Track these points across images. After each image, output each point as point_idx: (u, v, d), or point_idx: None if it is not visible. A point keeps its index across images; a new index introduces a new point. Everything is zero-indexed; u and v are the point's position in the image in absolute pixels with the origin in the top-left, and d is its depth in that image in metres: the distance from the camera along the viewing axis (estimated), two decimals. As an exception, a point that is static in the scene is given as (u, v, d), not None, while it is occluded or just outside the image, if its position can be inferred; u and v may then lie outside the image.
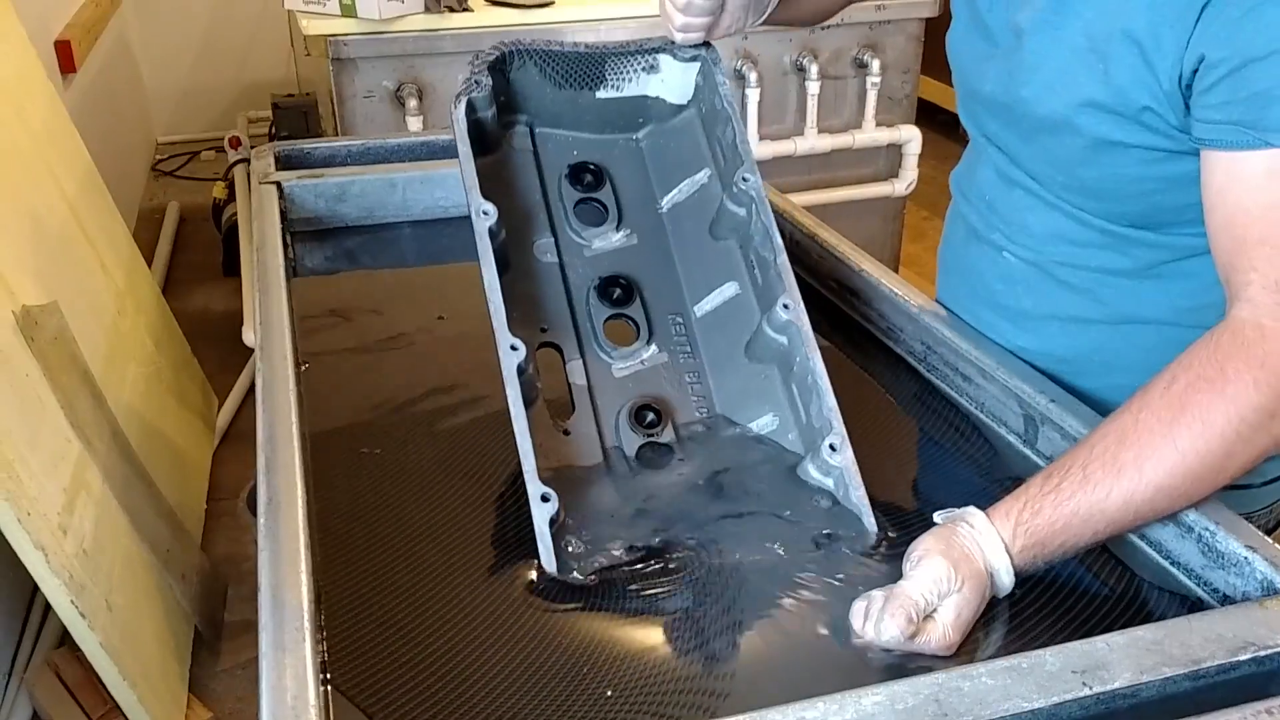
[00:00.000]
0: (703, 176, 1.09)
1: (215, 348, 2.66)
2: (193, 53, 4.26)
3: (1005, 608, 0.80)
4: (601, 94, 1.10)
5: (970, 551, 0.76)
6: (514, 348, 0.88)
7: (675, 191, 1.10)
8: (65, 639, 1.68)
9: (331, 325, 1.23)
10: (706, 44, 1.06)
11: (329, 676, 0.72)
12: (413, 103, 2.30)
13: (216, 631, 1.86)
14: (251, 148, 1.92)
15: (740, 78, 2.54)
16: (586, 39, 2.39)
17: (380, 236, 1.46)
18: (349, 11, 2.25)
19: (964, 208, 1.08)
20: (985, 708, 0.63)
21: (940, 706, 0.63)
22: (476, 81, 1.02)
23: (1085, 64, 0.84)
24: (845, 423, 0.90)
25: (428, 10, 2.31)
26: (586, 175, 1.08)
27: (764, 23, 1.08)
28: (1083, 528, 0.77)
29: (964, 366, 1.05)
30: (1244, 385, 0.74)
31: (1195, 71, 0.78)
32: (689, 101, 1.11)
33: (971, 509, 0.79)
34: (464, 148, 0.98)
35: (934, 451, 1.04)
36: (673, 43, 1.05)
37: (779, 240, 0.98)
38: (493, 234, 0.93)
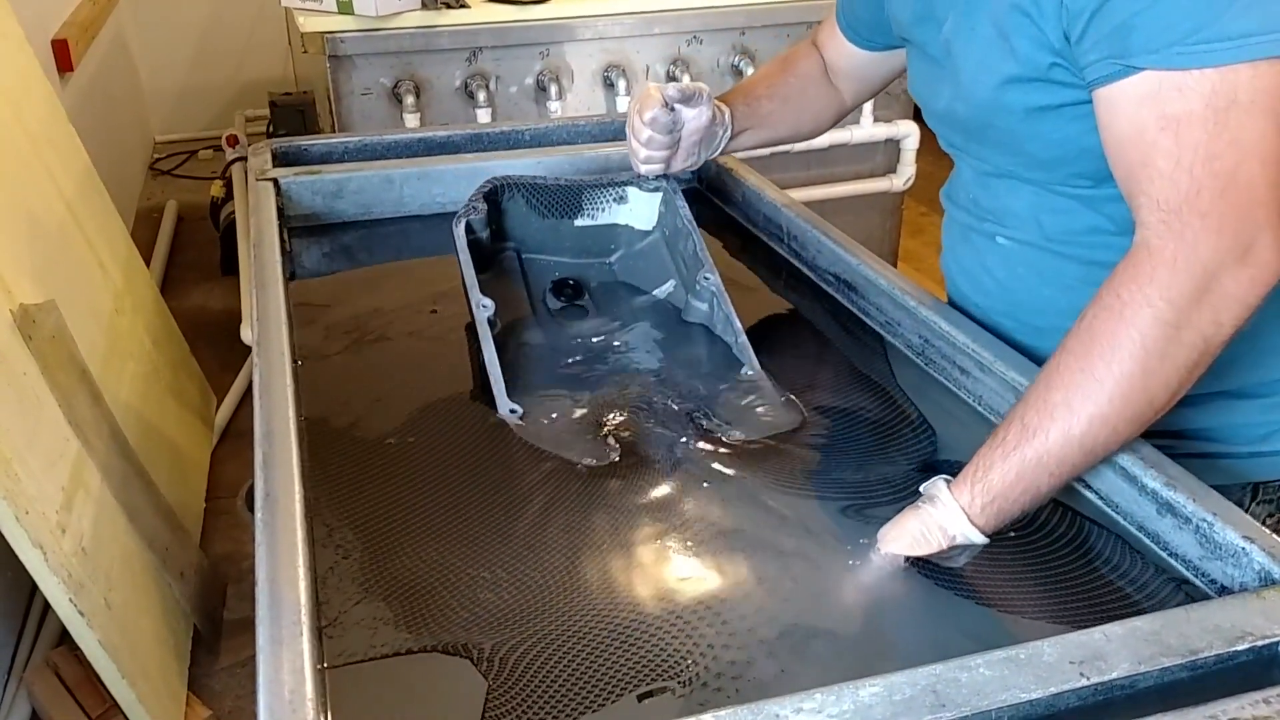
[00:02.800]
0: (669, 286, 1.26)
1: (213, 346, 2.67)
2: (190, 51, 4.26)
3: (1003, 600, 0.81)
4: (579, 222, 1.30)
5: (924, 536, 0.83)
6: (513, 410, 1.02)
7: (644, 298, 1.27)
8: (64, 638, 1.68)
9: (328, 320, 1.23)
10: (666, 177, 1.25)
11: (326, 665, 0.73)
12: (410, 99, 2.29)
13: (215, 630, 1.86)
14: (249, 146, 1.92)
15: (738, 73, 2.54)
16: (583, 35, 2.40)
17: (377, 232, 1.46)
18: (346, 9, 2.25)
19: (954, 212, 1.13)
20: (983, 698, 0.63)
21: (938, 697, 0.63)
22: (474, 206, 1.20)
23: (996, 48, 0.90)
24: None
25: (424, 7, 2.31)
26: (567, 289, 1.25)
27: (724, 154, 1.28)
28: (1036, 473, 0.81)
29: (961, 360, 1.05)
30: (1138, 304, 0.78)
31: (1070, 25, 0.83)
32: (654, 227, 1.29)
33: (939, 483, 0.85)
34: (464, 255, 1.15)
35: (931, 444, 1.04)
36: (639, 176, 1.25)
37: (739, 323, 1.13)
38: (492, 323, 1.09)
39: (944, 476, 0.85)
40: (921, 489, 0.87)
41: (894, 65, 1.23)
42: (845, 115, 1.33)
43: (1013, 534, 0.87)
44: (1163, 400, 0.80)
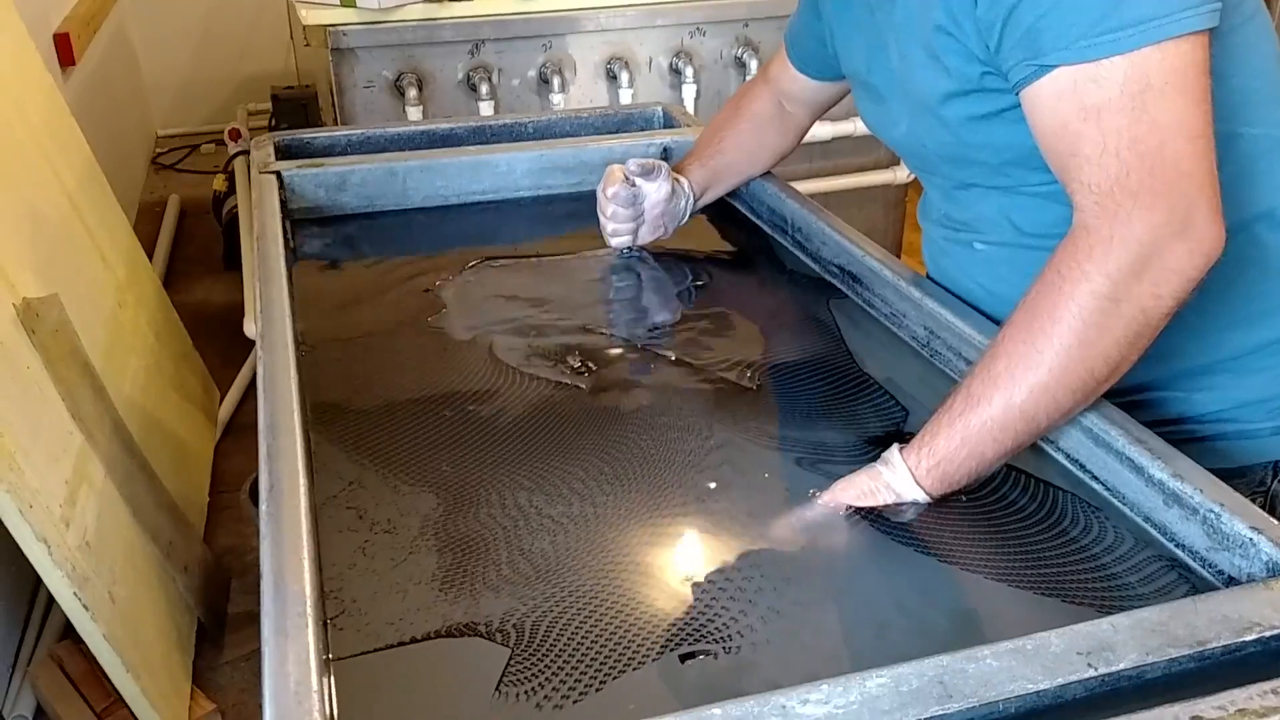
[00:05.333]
0: None
1: (216, 341, 2.66)
2: (192, 45, 4.25)
3: (1010, 591, 0.80)
4: None
5: (868, 489, 0.88)
6: None
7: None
8: (68, 631, 1.68)
9: (333, 312, 1.23)
10: (637, 250, 1.37)
11: (332, 656, 0.72)
12: (412, 92, 2.29)
13: (219, 623, 1.86)
14: (251, 139, 1.92)
15: (741, 65, 2.53)
16: (585, 27, 2.39)
17: (381, 225, 1.46)
18: (348, 1, 2.24)
19: (930, 229, 1.15)
20: (990, 689, 0.63)
21: (945, 688, 0.63)
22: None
23: (930, 68, 0.94)
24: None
25: (426, 0, 2.30)
26: None
27: (692, 216, 1.39)
28: (980, 439, 0.85)
29: (967, 350, 1.05)
30: (1077, 279, 0.81)
31: (987, 37, 0.87)
32: None
33: (893, 447, 0.90)
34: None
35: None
36: (610, 250, 1.37)
37: None
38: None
39: (899, 444, 0.90)
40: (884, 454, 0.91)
41: (846, 87, 1.27)
42: (805, 135, 1.41)
43: (1020, 524, 0.87)
44: (1103, 372, 0.83)
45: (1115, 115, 0.79)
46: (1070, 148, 0.82)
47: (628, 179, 1.29)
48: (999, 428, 0.84)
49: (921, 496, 0.87)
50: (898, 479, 0.87)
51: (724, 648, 0.75)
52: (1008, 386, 0.83)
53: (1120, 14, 0.78)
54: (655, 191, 1.31)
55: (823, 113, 1.36)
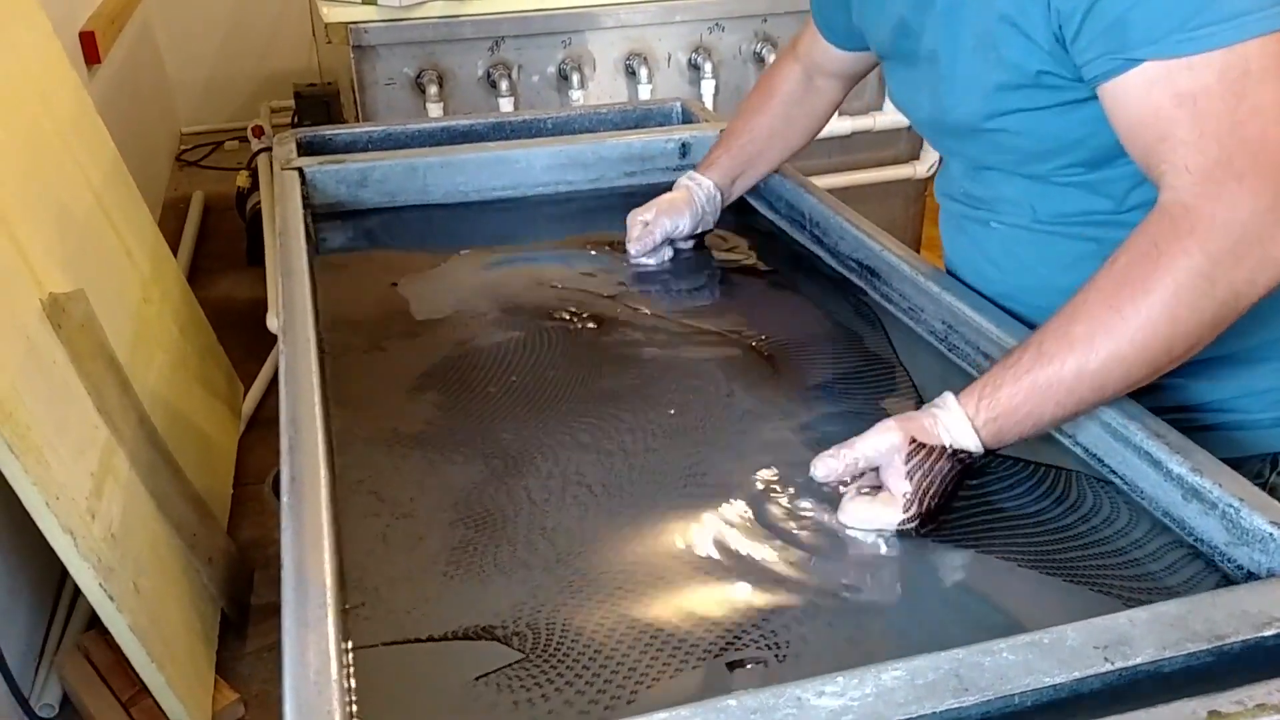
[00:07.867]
0: None
1: (240, 335, 2.68)
2: (216, 43, 4.28)
3: (1021, 585, 0.80)
4: None
5: (928, 427, 0.85)
6: None
7: None
8: (94, 622, 1.70)
9: (353, 306, 1.24)
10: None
11: (353, 646, 0.73)
12: (433, 89, 2.30)
13: (243, 615, 1.88)
14: (274, 136, 1.94)
15: (760, 61, 2.53)
16: (604, 23, 2.39)
17: (402, 220, 1.47)
18: (369, -1, 2.25)
19: (948, 205, 1.14)
20: (1006, 682, 0.63)
21: (961, 681, 0.63)
22: None
23: (982, 58, 0.92)
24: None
25: (447, -4, 2.31)
26: None
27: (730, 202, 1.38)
28: (1043, 399, 0.82)
29: (985, 345, 1.04)
30: (1176, 254, 0.78)
31: (1062, 27, 0.85)
32: None
33: (946, 393, 0.87)
34: None
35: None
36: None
37: None
38: None
39: (947, 392, 0.87)
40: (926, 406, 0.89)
41: (876, 58, 1.25)
42: (837, 107, 1.38)
43: (1041, 516, 0.87)
44: (1180, 351, 0.81)
45: (1214, 100, 0.77)
46: (1161, 133, 0.80)
47: (645, 225, 1.32)
48: (1066, 391, 0.82)
49: (975, 445, 0.84)
50: (954, 422, 0.84)
51: (777, 655, 0.73)
52: (1084, 350, 0.80)
53: (1216, 7, 0.76)
54: (675, 229, 1.33)
55: (855, 83, 1.34)
